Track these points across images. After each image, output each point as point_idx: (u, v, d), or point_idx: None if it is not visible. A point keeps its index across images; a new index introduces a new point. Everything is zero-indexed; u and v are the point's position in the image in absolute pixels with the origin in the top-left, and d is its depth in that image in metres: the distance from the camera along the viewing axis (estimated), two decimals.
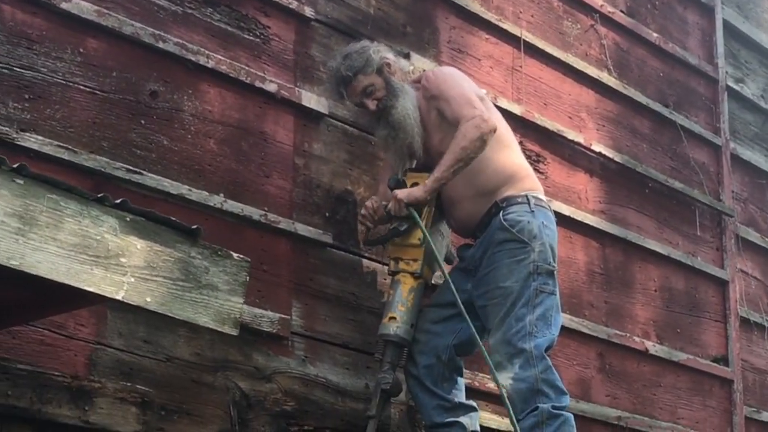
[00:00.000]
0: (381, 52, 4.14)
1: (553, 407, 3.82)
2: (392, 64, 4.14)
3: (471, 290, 4.03)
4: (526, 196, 4.03)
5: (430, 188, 3.99)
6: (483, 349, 3.92)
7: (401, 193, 4.00)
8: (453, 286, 3.89)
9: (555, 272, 4.00)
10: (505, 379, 3.85)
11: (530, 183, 4.11)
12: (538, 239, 3.95)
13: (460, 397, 4.11)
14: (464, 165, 3.96)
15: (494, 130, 3.97)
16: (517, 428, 3.76)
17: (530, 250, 3.94)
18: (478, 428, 4.12)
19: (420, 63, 4.52)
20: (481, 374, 4.42)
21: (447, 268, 4.12)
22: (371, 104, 4.10)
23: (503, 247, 3.97)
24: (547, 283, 3.95)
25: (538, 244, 3.95)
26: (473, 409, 4.12)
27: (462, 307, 3.86)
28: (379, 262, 4.23)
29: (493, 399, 4.41)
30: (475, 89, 4.16)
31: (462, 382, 4.14)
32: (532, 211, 3.99)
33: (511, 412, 3.78)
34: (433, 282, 4.21)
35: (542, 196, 4.11)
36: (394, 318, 3.99)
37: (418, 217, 3.98)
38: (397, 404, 4.19)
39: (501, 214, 3.99)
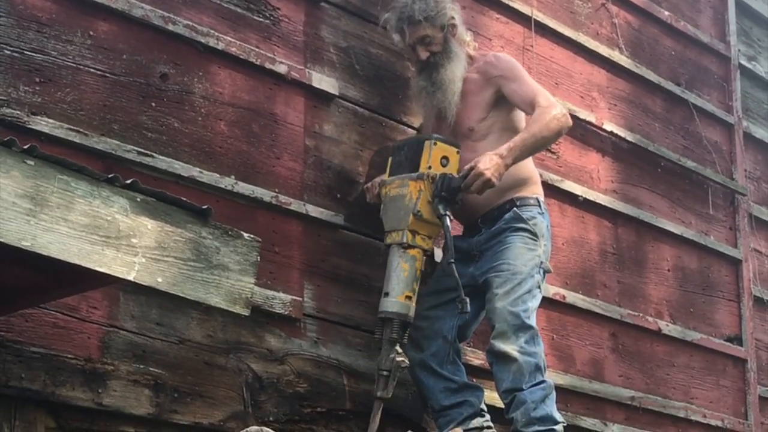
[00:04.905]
0: (454, 11, 4.19)
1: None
2: (458, 27, 4.19)
3: (473, 272, 4.08)
4: (537, 198, 4.17)
5: (508, 158, 3.93)
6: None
7: (487, 169, 3.88)
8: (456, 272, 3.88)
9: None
10: (511, 348, 3.88)
11: (540, 189, 4.25)
12: (545, 239, 4.12)
13: (464, 377, 4.15)
14: (537, 150, 4.10)
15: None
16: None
17: (539, 245, 4.09)
18: (485, 407, 4.12)
19: None
20: (481, 352, 4.39)
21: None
22: (423, 54, 4.15)
23: (518, 232, 4.07)
24: (542, 282, 4.10)
25: (544, 243, 4.11)
26: (479, 388, 4.15)
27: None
28: None
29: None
30: None
31: (461, 364, 4.17)
32: (542, 213, 4.15)
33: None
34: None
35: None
36: (410, 296, 3.94)
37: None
38: (411, 386, 4.19)
39: (516, 209, 4.10)
